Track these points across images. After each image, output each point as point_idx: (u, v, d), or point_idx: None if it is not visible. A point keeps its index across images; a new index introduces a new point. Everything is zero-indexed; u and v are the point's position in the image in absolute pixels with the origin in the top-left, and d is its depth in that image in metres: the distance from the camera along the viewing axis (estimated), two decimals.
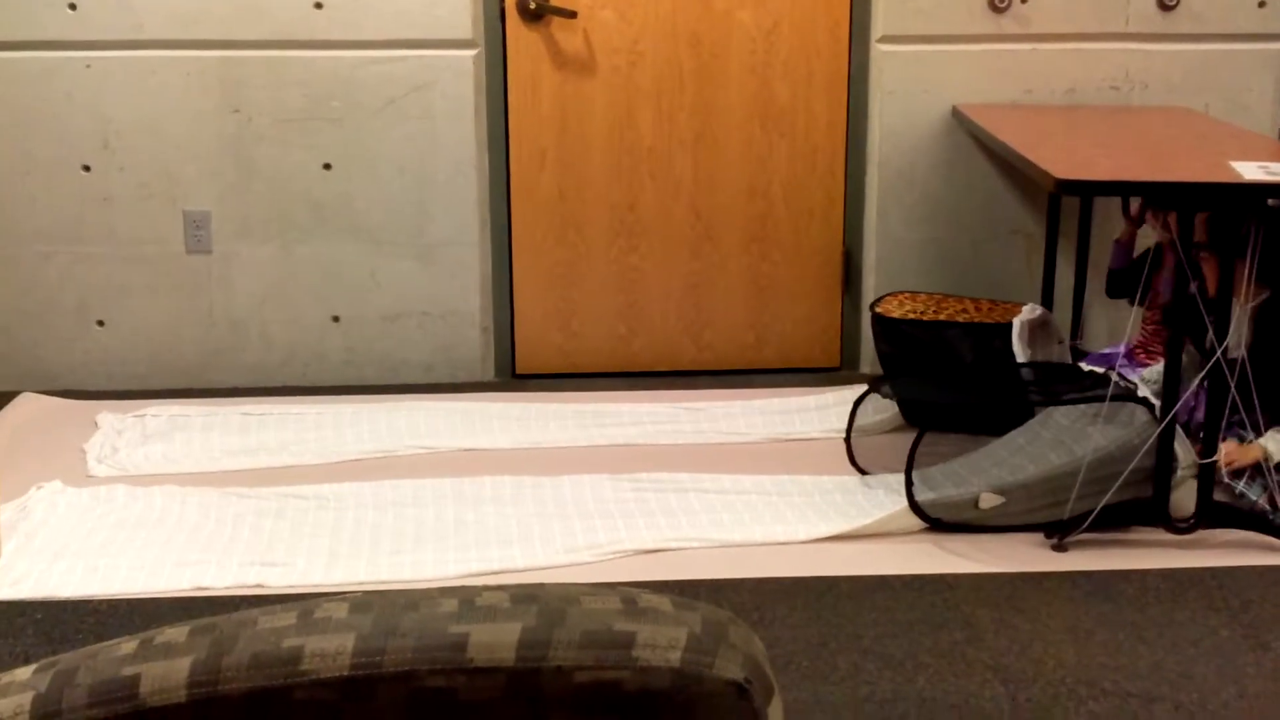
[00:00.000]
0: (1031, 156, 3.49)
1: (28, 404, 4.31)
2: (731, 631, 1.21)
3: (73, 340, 4.50)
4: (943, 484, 3.50)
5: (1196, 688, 2.75)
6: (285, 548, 3.35)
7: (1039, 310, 4.13)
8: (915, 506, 3.41)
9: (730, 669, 1.17)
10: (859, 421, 3.84)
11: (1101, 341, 4.45)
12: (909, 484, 3.41)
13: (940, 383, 3.89)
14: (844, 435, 3.83)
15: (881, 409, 4.04)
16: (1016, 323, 3.99)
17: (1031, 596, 3.12)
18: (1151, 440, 3.31)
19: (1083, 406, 3.48)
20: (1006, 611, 3.05)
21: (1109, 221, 4.33)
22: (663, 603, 1.22)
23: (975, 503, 3.40)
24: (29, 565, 3.24)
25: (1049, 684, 2.76)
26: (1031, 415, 3.70)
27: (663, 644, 1.16)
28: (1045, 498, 3.39)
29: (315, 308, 4.51)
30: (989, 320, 4.08)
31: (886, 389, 3.80)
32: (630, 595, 1.22)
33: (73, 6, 4.25)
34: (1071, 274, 4.40)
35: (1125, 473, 3.31)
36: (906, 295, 4.28)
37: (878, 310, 4.18)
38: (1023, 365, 3.91)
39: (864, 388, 3.90)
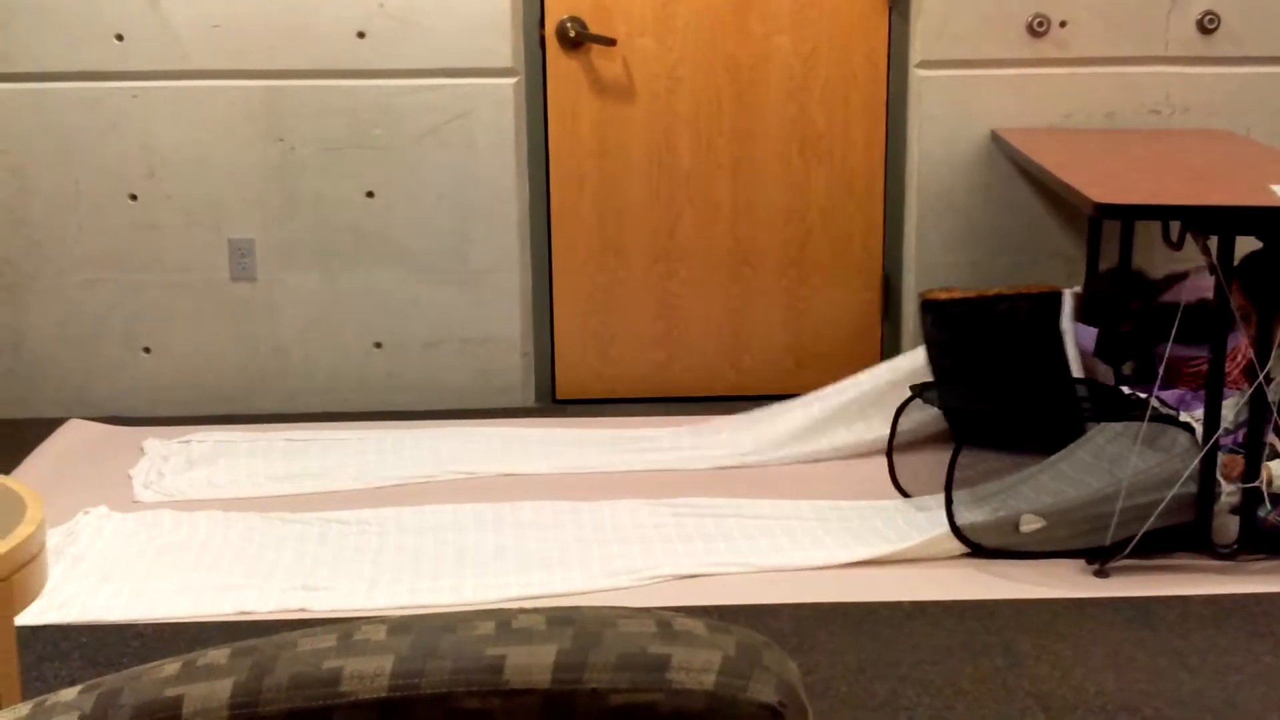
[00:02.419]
0: (1070, 180, 3.49)
1: (75, 430, 4.36)
2: (765, 655, 1.22)
3: (119, 367, 4.55)
4: (984, 504, 3.49)
5: (1239, 715, 2.72)
6: (327, 572, 3.37)
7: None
8: (956, 530, 3.40)
9: (764, 692, 1.18)
10: (901, 428, 3.84)
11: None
12: (949, 504, 3.40)
13: (983, 390, 3.87)
14: (885, 449, 3.83)
15: (923, 418, 4.02)
16: (1068, 293, 3.96)
17: (1073, 622, 3.10)
18: (1194, 465, 3.30)
19: (1122, 430, 3.46)
20: (1047, 638, 3.03)
21: (1149, 246, 4.31)
22: (697, 626, 1.23)
23: (1016, 525, 3.39)
24: (75, 589, 3.28)
25: (1090, 711, 2.74)
26: (1078, 431, 3.66)
27: (697, 667, 1.17)
28: (1088, 523, 3.37)
29: (358, 334, 4.55)
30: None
31: (930, 395, 3.79)
32: (665, 618, 1.23)
33: (119, 37, 4.32)
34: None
35: (1168, 498, 3.29)
36: (949, 291, 4.23)
37: (927, 297, 4.16)
38: (1074, 381, 3.89)
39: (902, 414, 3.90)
